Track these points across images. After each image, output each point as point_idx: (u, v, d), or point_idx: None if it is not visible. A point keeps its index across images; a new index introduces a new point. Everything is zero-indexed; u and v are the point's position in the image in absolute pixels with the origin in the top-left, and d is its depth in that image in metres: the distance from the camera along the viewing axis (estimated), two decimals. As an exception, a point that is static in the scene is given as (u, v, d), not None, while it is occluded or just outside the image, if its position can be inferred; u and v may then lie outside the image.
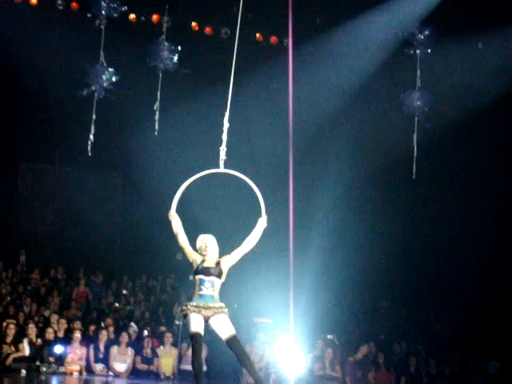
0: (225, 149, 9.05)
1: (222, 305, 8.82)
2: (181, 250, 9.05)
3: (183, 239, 9.01)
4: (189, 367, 14.91)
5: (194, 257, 8.94)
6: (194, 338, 8.63)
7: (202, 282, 8.79)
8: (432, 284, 18.99)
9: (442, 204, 18.95)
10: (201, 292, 8.79)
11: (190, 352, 14.82)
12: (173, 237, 9.02)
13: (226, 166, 8.70)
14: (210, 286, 8.78)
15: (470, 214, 18.52)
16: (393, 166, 17.01)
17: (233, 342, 8.66)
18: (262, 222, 8.98)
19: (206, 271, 8.82)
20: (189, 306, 8.73)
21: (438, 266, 18.95)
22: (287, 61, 12.11)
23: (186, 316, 8.72)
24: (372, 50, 14.89)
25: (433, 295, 19.03)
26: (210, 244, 9.01)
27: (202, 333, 8.69)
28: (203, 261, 8.89)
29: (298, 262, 13.15)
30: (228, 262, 8.90)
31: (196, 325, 8.63)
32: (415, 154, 13.83)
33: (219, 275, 8.83)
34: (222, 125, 8.91)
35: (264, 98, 10.56)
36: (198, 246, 9.06)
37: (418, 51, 13.76)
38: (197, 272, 8.84)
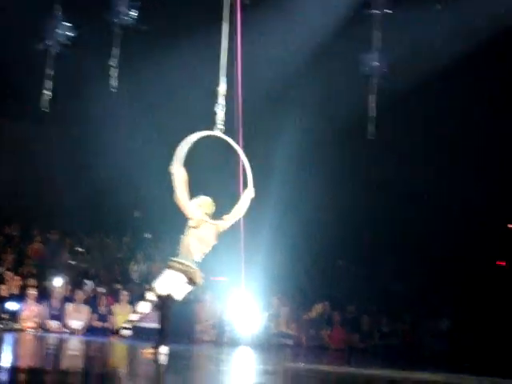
0: (223, 112, 9.02)
1: (199, 273, 8.99)
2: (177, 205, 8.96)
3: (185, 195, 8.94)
4: (144, 325, 14.99)
5: (196, 217, 8.88)
6: (169, 298, 8.98)
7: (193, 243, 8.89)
8: (386, 244, 19.21)
9: (398, 165, 19.09)
10: (190, 253, 8.88)
11: (145, 310, 14.87)
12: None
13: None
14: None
15: (426, 175, 18.70)
16: (349, 126, 17.06)
17: (170, 302, 8.90)
18: (249, 193, 9.10)
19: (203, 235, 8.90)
20: (173, 263, 8.82)
21: (392, 226, 19.15)
22: (239, 18, 12.00)
23: (168, 268, 8.78)
24: (330, 10, 14.82)
25: (387, 255, 19.26)
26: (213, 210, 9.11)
27: (167, 296, 8.92)
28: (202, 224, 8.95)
29: (250, 222, 13.16)
30: (221, 228, 9.02)
31: (167, 287, 8.80)
32: (371, 114, 13.87)
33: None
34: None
35: (216, 58, 10.48)
36: (206, 209, 9.02)
37: (376, 11, 13.73)
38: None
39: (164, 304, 9.02)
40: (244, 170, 9.03)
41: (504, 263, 18.25)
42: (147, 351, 9.00)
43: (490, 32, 14.68)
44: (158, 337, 9.16)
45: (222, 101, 9.17)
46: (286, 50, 15.94)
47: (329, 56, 16.07)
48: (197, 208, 8.97)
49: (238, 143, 9.11)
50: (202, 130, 9.06)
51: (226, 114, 9.16)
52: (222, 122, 8.93)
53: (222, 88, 9.22)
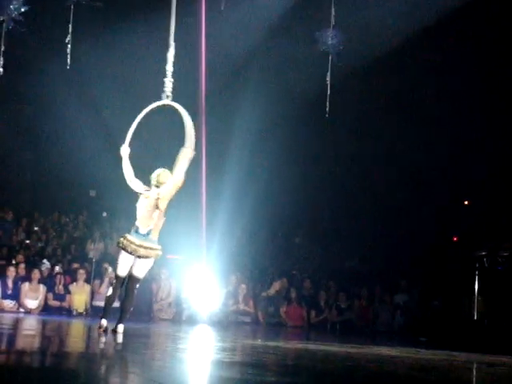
0: (172, 80, 8.92)
1: (157, 247, 9.00)
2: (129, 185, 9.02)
3: (131, 174, 9.02)
4: (101, 303, 14.94)
5: (137, 190, 8.98)
6: (118, 279, 9.09)
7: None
8: (343, 221, 19.36)
9: (355, 143, 19.20)
10: (137, 227, 8.92)
11: (102, 288, 14.84)
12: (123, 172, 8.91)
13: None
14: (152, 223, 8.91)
15: (381, 150, 18.84)
16: (306, 104, 17.08)
17: (133, 283, 8.93)
18: (186, 153, 9.00)
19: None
20: (125, 241, 8.84)
21: (349, 203, 19.29)
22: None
23: (119, 247, 8.87)
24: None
25: (343, 232, 19.41)
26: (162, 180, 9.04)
27: (126, 276, 8.97)
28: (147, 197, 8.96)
29: (210, 200, 13.17)
30: (161, 196, 9.00)
31: (124, 267, 8.89)
32: (328, 92, 13.88)
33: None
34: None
35: (177, 35, 10.35)
36: (153, 181, 9.04)
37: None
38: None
39: (127, 285, 9.06)
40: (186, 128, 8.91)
41: (458, 239, 18.51)
42: (101, 329, 9.10)
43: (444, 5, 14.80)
44: (120, 316, 9.20)
45: (170, 67, 9.08)
46: (244, 28, 15.87)
47: (287, 33, 16.05)
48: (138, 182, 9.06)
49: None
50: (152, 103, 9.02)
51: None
52: (170, 89, 8.84)
53: (171, 53, 9.11)
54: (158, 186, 9.06)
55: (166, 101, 8.98)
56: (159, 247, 9.16)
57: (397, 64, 16.89)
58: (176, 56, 8.92)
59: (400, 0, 14.71)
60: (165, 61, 9.19)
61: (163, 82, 8.93)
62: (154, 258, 9.11)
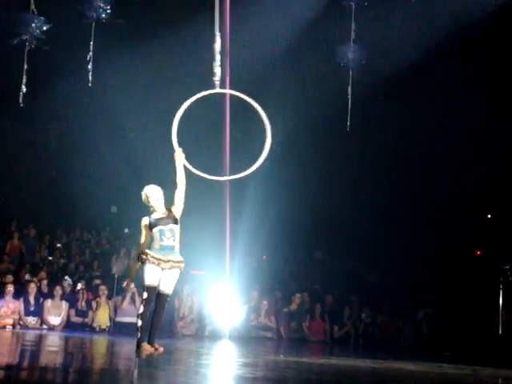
0: (219, 69, 8.82)
1: (181, 259, 8.92)
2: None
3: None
4: (124, 319, 14.97)
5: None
6: (149, 291, 8.83)
7: (161, 232, 8.80)
8: (364, 236, 19.26)
9: (376, 157, 19.14)
10: (162, 243, 8.80)
11: (125, 304, 14.87)
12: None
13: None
14: (171, 236, 8.79)
15: (403, 167, 18.76)
16: (327, 118, 17.07)
17: (162, 299, 8.86)
18: (178, 157, 8.90)
19: (161, 222, 8.84)
20: (149, 257, 8.74)
21: (370, 218, 19.20)
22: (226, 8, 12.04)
23: (143, 263, 8.73)
24: (308, 1, 14.81)
25: (365, 246, 19.32)
26: (152, 195, 8.99)
27: (157, 286, 8.81)
28: (152, 212, 8.92)
29: (234, 215, 13.17)
30: (177, 208, 8.93)
31: (152, 278, 8.74)
32: (349, 106, 13.88)
33: (175, 222, 8.86)
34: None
35: (201, 46, 10.42)
36: (143, 199, 9.04)
37: (353, 3, 13.72)
38: (152, 225, 8.84)
39: (157, 301, 8.91)
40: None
41: (481, 253, 18.37)
42: (146, 348, 8.74)
43: (465, 22, 14.75)
44: (151, 333, 8.90)
45: (218, 58, 8.98)
46: (267, 41, 15.92)
47: (309, 47, 16.06)
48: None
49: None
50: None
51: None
52: (219, 79, 8.72)
53: (218, 45, 9.04)
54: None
55: (217, 90, 8.79)
56: (182, 259, 9.08)
57: (418, 79, 16.82)
58: (200, 71, 8.91)
59: (421, 13, 14.69)
60: (183, 80, 9.17)
61: (212, 72, 8.81)
62: (180, 271, 9.01)
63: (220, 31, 9.33)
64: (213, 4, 9.32)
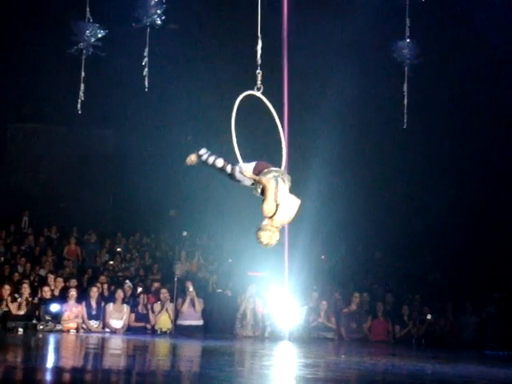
0: (260, 72, 8.69)
1: None
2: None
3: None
4: (184, 322, 15.09)
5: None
6: None
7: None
8: (423, 234, 19.06)
9: (435, 153, 18.94)
10: None
11: (185, 307, 14.99)
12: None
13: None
14: None
15: (462, 164, 18.52)
16: (384, 115, 16.96)
17: None
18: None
19: None
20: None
21: (429, 217, 18.99)
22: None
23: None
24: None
25: (424, 245, 19.12)
26: None
27: None
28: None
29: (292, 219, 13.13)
30: None
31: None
32: (405, 103, 13.76)
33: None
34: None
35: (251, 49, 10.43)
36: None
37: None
38: None
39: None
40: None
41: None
42: None
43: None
44: None
45: (259, 60, 8.84)
46: (325, 40, 15.89)
47: (364, 44, 15.97)
48: None
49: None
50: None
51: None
52: (260, 81, 8.57)
53: (259, 46, 8.93)
54: None
55: (256, 92, 8.63)
56: None
57: (473, 76, 16.59)
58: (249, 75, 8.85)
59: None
60: (237, 85, 9.07)
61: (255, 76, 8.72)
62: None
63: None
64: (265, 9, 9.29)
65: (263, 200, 7.53)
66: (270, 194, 7.43)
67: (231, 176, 7.96)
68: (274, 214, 7.47)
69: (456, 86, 16.97)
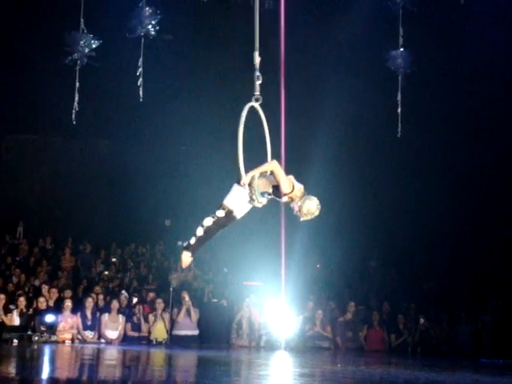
0: (260, 81, 8.60)
1: None
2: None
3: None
4: (180, 332, 15.05)
5: None
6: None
7: None
8: (418, 244, 19.07)
9: (428, 162, 18.97)
10: None
11: (181, 317, 14.96)
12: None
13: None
14: None
15: (456, 173, 18.55)
16: (377, 124, 16.99)
17: None
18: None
19: None
20: None
21: (424, 225, 19.01)
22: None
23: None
24: (357, 8, 14.80)
25: (419, 254, 19.14)
26: None
27: None
28: None
29: (288, 225, 13.14)
30: None
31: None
32: (399, 112, 13.80)
33: None
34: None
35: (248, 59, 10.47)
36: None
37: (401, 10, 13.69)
38: None
39: None
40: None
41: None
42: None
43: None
44: None
45: (257, 70, 8.77)
46: (320, 48, 15.93)
47: (358, 53, 16.01)
48: None
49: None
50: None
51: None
52: (259, 92, 8.50)
53: (257, 56, 8.87)
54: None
55: (255, 103, 8.56)
56: None
57: (466, 85, 16.64)
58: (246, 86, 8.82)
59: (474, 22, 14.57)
60: (232, 95, 9.05)
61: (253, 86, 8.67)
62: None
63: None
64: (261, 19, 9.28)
65: (275, 186, 7.63)
66: (279, 172, 7.60)
67: (229, 214, 7.61)
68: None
69: (450, 94, 17.01)
